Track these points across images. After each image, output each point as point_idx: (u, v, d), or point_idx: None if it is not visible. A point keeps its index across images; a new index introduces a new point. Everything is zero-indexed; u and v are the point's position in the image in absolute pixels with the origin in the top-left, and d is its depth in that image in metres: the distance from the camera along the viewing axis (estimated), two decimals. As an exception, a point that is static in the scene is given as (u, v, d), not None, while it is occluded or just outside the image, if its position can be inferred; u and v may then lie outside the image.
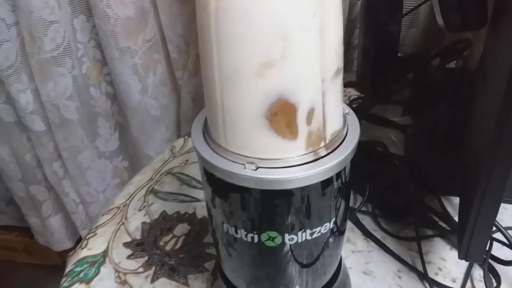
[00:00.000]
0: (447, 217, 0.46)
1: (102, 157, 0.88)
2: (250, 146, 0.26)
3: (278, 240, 0.29)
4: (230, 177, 0.26)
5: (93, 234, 0.48)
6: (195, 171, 0.56)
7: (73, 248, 1.01)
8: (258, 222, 0.28)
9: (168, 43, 0.79)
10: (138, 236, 0.47)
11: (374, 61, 0.67)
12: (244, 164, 0.26)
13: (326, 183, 0.27)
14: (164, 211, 0.50)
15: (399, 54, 0.70)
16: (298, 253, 0.30)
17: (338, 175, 0.28)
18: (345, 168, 0.28)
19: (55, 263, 1.15)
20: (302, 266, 0.31)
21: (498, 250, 0.41)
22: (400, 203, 0.47)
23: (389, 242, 0.45)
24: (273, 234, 0.28)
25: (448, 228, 0.45)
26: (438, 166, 0.50)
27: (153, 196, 0.52)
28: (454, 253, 0.43)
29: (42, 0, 0.68)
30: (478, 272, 0.41)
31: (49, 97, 0.76)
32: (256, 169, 0.26)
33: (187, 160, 0.58)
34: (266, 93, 0.23)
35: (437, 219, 0.46)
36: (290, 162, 0.26)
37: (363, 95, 0.68)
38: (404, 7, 0.64)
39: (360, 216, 0.47)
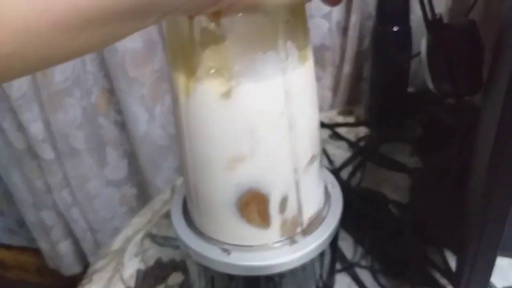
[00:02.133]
0: (449, 273, 0.44)
1: (110, 185, 0.88)
2: (224, 233, 0.25)
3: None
4: (203, 260, 0.26)
5: (88, 280, 0.48)
6: (194, 213, 0.55)
7: (82, 273, 1.02)
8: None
9: (176, 73, 0.79)
10: (132, 283, 0.47)
11: (383, 96, 0.65)
12: (217, 249, 0.25)
13: (303, 268, 0.26)
14: (160, 257, 0.49)
15: (409, 89, 0.68)
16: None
17: (319, 257, 0.26)
18: (323, 251, 0.26)
19: (66, 285, 1.16)
20: None
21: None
22: (400, 257, 0.45)
23: (388, 301, 0.43)
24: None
25: (449, 287, 0.43)
26: (442, 216, 0.48)
27: (150, 241, 0.51)
28: (457, 316, 0.41)
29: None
30: None
31: (59, 127, 0.77)
32: (228, 255, 0.25)
33: (187, 201, 0.57)
34: (236, 185, 0.23)
35: (438, 276, 0.44)
36: (264, 249, 0.25)
37: (371, 133, 0.66)
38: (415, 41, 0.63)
39: (358, 271, 0.46)
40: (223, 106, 0.21)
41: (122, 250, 0.51)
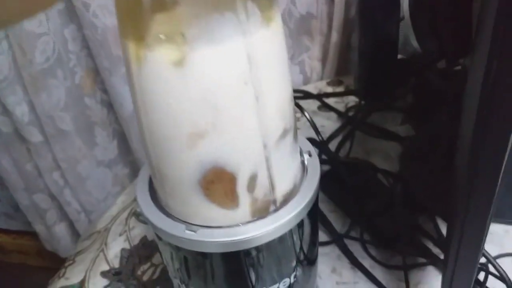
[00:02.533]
0: (442, 242, 0.43)
1: (101, 165, 0.87)
2: (191, 214, 0.24)
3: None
4: (171, 239, 0.24)
5: (71, 261, 0.47)
6: (180, 191, 0.54)
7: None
8: (208, 284, 0.26)
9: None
10: (116, 264, 0.46)
11: (372, 65, 0.63)
12: (184, 226, 0.24)
13: (280, 241, 0.25)
14: (145, 236, 0.48)
15: (399, 56, 0.66)
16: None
17: (297, 229, 0.25)
18: (300, 222, 0.25)
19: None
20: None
21: (492, 282, 0.38)
22: (390, 228, 0.44)
23: (378, 272, 0.42)
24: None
25: (442, 256, 0.42)
26: (434, 184, 0.47)
27: (135, 220, 0.50)
28: (447, 285, 0.40)
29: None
30: (472, 308, 0.38)
31: (43, 109, 0.76)
32: (196, 232, 0.23)
33: (173, 178, 0.56)
34: (199, 162, 0.21)
35: (430, 246, 0.43)
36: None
37: (360, 103, 0.64)
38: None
39: (348, 242, 0.45)
40: (177, 76, 0.20)
41: (106, 230, 0.50)
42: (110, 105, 0.83)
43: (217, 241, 0.23)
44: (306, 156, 0.28)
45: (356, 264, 0.43)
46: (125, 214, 0.51)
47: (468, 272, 0.29)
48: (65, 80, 0.75)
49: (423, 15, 0.27)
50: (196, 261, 0.25)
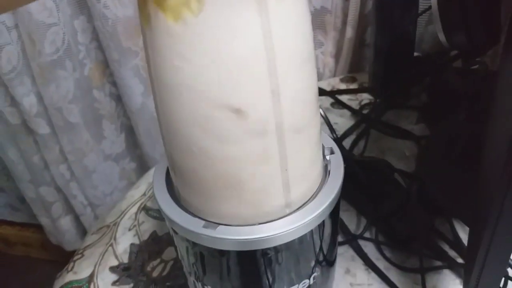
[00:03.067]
0: (458, 245, 0.42)
1: (108, 159, 0.86)
2: (210, 210, 0.23)
3: (249, 300, 0.26)
4: (189, 235, 0.23)
5: (80, 255, 0.46)
6: (190, 186, 0.53)
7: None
8: (224, 282, 0.25)
9: (172, 42, 0.76)
10: (126, 259, 0.45)
11: (387, 62, 0.62)
12: (203, 222, 0.23)
13: (300, 242, 0.24)
14: (155, 231, 0.47)
15: (415, 54, 0.65)
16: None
17: (318, 229, 0.24)
18: (322, 223, 0.24)
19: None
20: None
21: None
22: (405, 229, 0.43)
23: (393, 274, 0.41)
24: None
25: (459, 259, 0.41)
26: (451, 185, 0.46)
27: (145, 214, 0.50)
28: (465, 289, 0.39)
29: (39, 2, 0.66)
30: (490, 313, 0.37)
31: (51, 101, 0.75)
32: (215, 229, 0.22)
33: (183, 173, 0.55)
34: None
35: (446, 248, 0.42)
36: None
37: (376, 100, 0.63)
38: (421, 3, 0.59)
39: (362, 243, 0.43)
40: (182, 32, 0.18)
41: (115, 225, 0.49)
42: (118, 98, 0.82)
43: (235, 239, 0.22)
44: (328, 154, 0.27)
45: (370, 265, 0.42)
46: (134, 208, 0.51)
47: (494, 280, 0.28)
48: (74, 71, 0.74)
49: (452, 6, 0.26)
50: (213, 258, 0.24)
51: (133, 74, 0.73)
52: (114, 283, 0.42)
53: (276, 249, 0.23)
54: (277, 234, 0.22)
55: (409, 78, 0.61)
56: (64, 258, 1.16)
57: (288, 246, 0.23)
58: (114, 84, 0.80)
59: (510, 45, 0.22)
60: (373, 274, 0.41)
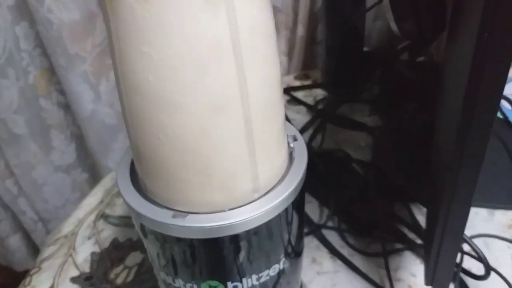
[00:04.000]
0: (417, 228, 0.44)
1: (59, 171, 0.82)
2: (178, 199, 0.22)
3: (220, 289, 0.25)
4: (158, 227, 0.23)
5: (37, 269, 0.44)
6: (150, 190, 0.51)
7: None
8: (196, 272, 0.25)
9: (121, 46, 0.74)
10: (87, 268, 0.43)
11: (339, 58, 0.64)
12: (172, 212, 0.22)
13: (267, 230, 0.24)
14: (116, 238, 0.46)
15: (365, 49, 0.67)
16: (248, 297, 0.26)
17: (280, 216, 0.24)
18: (286, 208, 0.24)
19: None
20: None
21: (467, 262, 0.39)
22: (366, 216, 0.44)
23: (357, 260, 0.42)
24: (214, 283, 0.25)
25: (418, 240, 0.43)
26: (406, 171, 0.48)
27: (104, 222, 0.48)
28: (425, 268, 0.41)
29: (-24, 8, 0.62)
30: (450, 288, 0.39)
31: (-6, 112, 0.71)
32: (185, 218, 0.22)
33: (142, 177, 0.53)
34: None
35: (406, 231, 0.43)
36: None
37: (329, 95, 0.65)
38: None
39: (326, 232, 0.44)
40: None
41: (73, 234, 0.47)
42: (66, 107, 0.79)
43: (206, 226, 0.22)
44: (291, 141, 0.27)
45: (335, 253, 0.42)
46: (92, 217, 0.49)
47: (452, 254, 0.29)
48: (18, 80, 0.70)
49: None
50: (184, 248, 0.24)
51: (82, 80, 0.71)
52: (75, 294, 0.41)
53: (248, 233, 0.23)
54: (248, 218, 0.22)
55: (360, 73, 0.63)
56: (14, 280, 1.10)
57: (259, 230, 0.23)
58: (61, 92, 0.77)
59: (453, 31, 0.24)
60: (338, 262, 0.42)
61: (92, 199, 0.51)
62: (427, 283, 0.30)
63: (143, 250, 0.44)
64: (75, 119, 0.79)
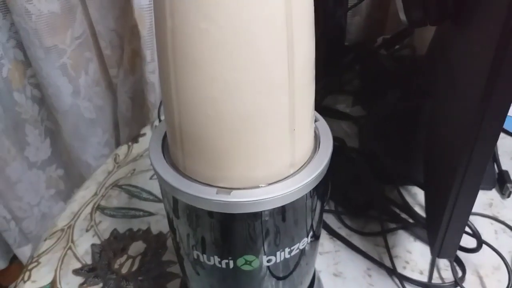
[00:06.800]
0: (407, 208, 0.46)
1: (33, 167, 0.80)
2: (213, 175, 0.23)
3: (256, 264, 0.26)
4: (202, 204, 0.24)
5: (36, 263, 0.43)
6: (144, 181, 0.51)
7: (8, 269, 0.92)
8: (234, 247, 0.26)
9: (99, 39, 0.73)
10: (89, 260, 0.43)
11: (322, 52, 0.66)
12: (216, 189, 0.23)
13: (299, 202, 0.25)
14: (115, 229, 0.46)
15: (346, 44, 0.70)
16: (275, 270, 0.28)
17: (313, 191, 0.26)
18: (318, 184, 0.26)
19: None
20: (279, 279, 0.29)
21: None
22: (361, 198, 0.47)
23: (356, 239, 0.44)
24: (250, 258, 0.26)
25: (410, 219, 0.45)
26: (392, 156, 0.50)
27: (100, 214, 0.47)
28: (418, 244, 0.43)
29: None
30: (443, 262, 0.42)
31: (-36, 106, 0.68)
32: (229, 193, 0.23)
33: (134, 170, 0.53)
34: None
35: (398, 211, 0.46)
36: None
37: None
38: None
39: (324, 215, 0.46)
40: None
41: (70, 227, 0.46)
42: (41, 101, 0.76)
43: (252, 201, 0.23)
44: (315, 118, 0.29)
45: (334, 234, 0.44)
46: (88, 209, 0.48)
47: (459, 229, 0.32)
48: (-9, 73, 0.68)
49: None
50: (225, 224, 0.24)
51: (61, 73, 0.69)
52: (81, 286, 0.40)
53: (286, 207, 0.24)
54: (289, 191, 0.23)
55: (342, 66, 0.66)
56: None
57: (296, 203, 0.24)
58: (36, 85, 0.75)
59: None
60: (338, 242, 0.44)
61: (85, 192, 0.51)
62: (434, 255, 0.32)
63: (144, 239, 0.44)
64: (50, 114, 0.77)
